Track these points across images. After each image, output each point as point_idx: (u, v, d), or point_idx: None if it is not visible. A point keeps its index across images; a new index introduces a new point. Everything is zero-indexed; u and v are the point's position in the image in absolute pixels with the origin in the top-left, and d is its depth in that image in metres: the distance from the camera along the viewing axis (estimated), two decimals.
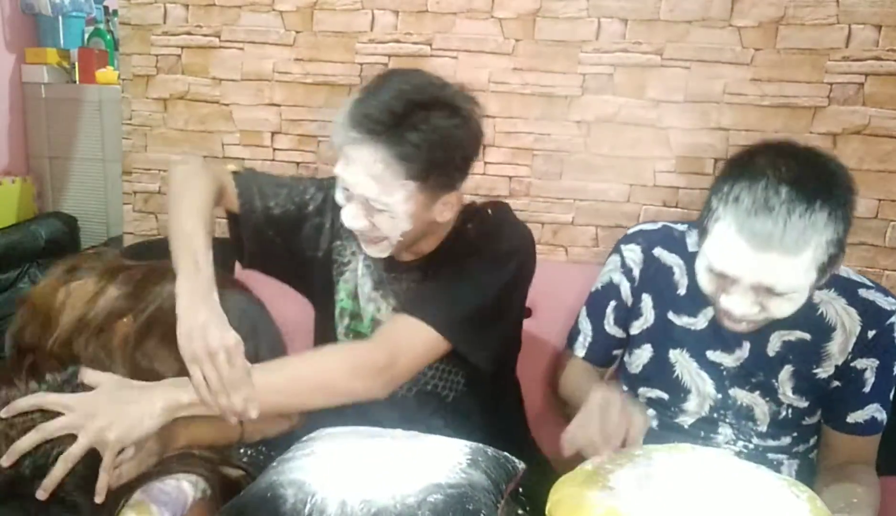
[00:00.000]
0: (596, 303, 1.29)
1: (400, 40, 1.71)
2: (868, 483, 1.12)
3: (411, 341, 1.13)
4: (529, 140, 1.68)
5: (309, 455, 1.11)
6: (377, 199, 1.08)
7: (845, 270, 1.14)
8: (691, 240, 1.20)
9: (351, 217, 1.12)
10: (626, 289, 1.24)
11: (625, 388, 1.27)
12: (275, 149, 1.80)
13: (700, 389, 1.18)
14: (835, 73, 1.53)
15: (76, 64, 2.37)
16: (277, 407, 1.10)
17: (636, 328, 1.24)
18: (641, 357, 1.23)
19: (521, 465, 1.16)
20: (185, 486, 1.08)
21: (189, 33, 1.81)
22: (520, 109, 1.68)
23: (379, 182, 1.06)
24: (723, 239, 1.00)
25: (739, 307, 1.02)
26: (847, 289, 1.12)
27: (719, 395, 1.17)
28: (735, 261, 0.99)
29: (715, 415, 1.18)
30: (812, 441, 1.21)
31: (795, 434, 1.18)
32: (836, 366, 1.13)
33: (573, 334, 1.32)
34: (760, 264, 0.97)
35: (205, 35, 1.80)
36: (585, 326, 1.30)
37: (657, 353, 1.21)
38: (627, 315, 1.25)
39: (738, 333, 1.12)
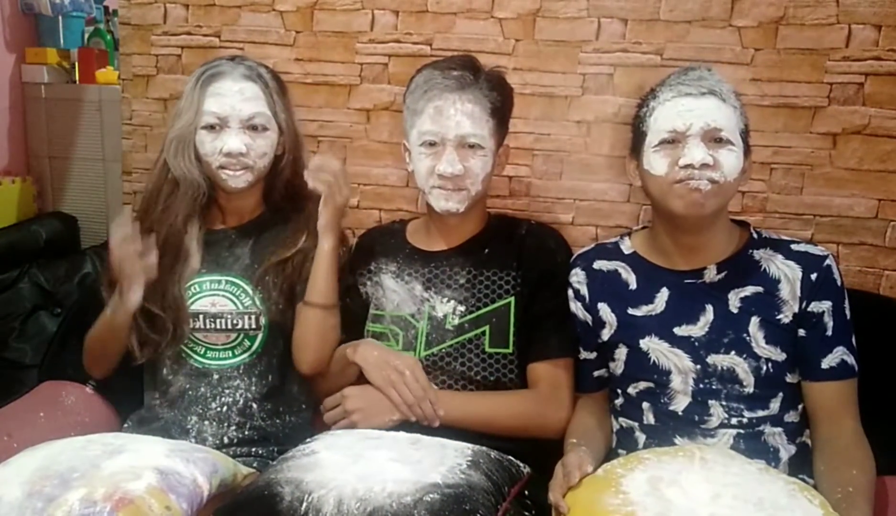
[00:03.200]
0: (574, 339, 1.39)
1: (400, 40, 1.71)
2: (860, 459, 1.16)
3: (563, 378, 1.35)
4: (529, 140, 1.68)
5: (309, 455, 1.11)
6: (472, 133, 1.31)
7: (773, 234, 1.31)
8: (624, 245, 1.36)
9: (448, 163, 1.30)
10: (581, 310, 1.36)
11: (619, 399, 1.33)
12: None
13: (678, 365, 1.25)
14: (835, 73, 1.53)
15: (76, 64, 2.37)
16: (455, 424, 1.29)
17: (605, 336, 1.33)
18: (619, 358, 1.31)
19: (526, 469, 1.16)
20: (201, 480, 1.09)
21: (189, 33, 1.81)
22: (520, 109, 1.66)
23: (471, 118, 1.31)
24: (666, 109, 1.21)
25: (697, 154, 1.17)
26: (780, 246, 1.27)
27: (698, 366, 1.24)
28: (682, 113, 1.19)
29: (702, 386, 1.23)
30: (800, 407, 1.25)
31: (782, 395, 1.23)
32: (794, 313, 1.22)
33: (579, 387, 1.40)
34: (703, 107, 1.18)
35: (205, 35, 1.80)
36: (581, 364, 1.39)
37: (630, 348, 1.29)
38: (593, 335, 1.35)
39: (698, 300, 1.25)
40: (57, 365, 1.59)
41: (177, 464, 1.09)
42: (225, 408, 1.41)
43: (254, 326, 1.42)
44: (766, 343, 1.22)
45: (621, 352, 1.31)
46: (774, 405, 1.23)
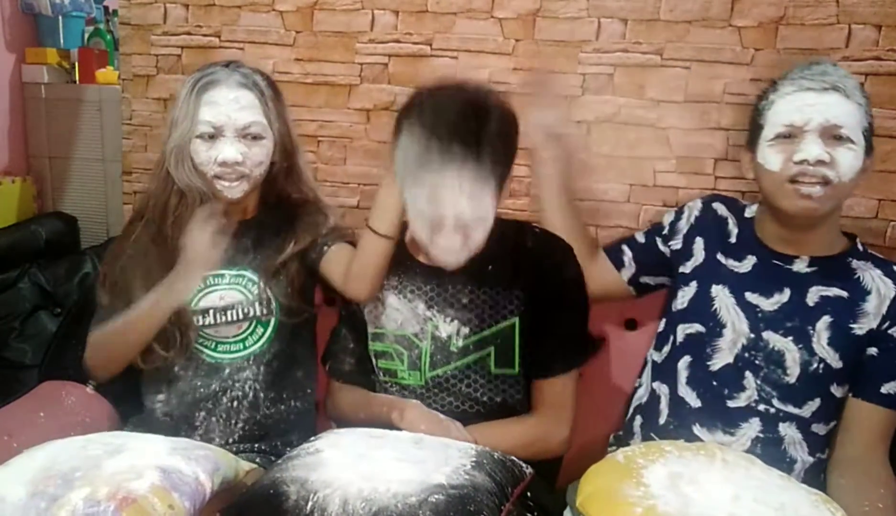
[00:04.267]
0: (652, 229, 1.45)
1: (400, 40, 1.70)
2: (887, 482, 1.15)
3: (566, 395, 1.32)
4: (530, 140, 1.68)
5: (313, 454, 1.11)
6: (473, 218, 1.21)
7: (880, 254, 1.29)
8: (749, 210, 1.36)
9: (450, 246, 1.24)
10: (668, 219, 1.42)
11: (659, 355, 1.37)
12: None
13: (735, 326, 1.26)
14: None
15: (76, 64, 2.37)
16: None
17: (687, 267, 1.35)
18: (687, 293, 1.33)
19: (528, 470, 1.15)
20: (203, 478, 1.09)
21: (189, 33, 1.81)
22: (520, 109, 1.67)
23: (472, 199, 1.19)
24: (785, 102, 1.19)
25: (814, 150, 1.15)
26: (882, 264, 1.25)
27: (752, 335, 1.24)
28: (802, 107, 1.17)
29: (747, 355, 1.23)
30: (832, 424, 1.22)
31: (819, 402, 1.20)
32: (872, 330, 1.20)
33: (617, 253, 1.46)
34: (824, 103, 1.16)
35: (205, 35, 1.80)
36: (636, 242, 1.45)
37: (701, 289, 1.31)
38: (660, 256, 1.40)
39: (778, 281, 1.25)
40: (57, 365, 1.59)
41: (178, 463, 1.09)
42: (235, 403, 1.41)
43: (265, 312, 1.42)
44: (829, 344, 1.20)
45: (690, 290, 1.32)
46: (808, 409, 1.21)
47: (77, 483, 1.03)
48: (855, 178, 1.18)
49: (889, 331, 1.19)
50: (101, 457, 1.09)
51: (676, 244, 1.40)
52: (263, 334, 1.43)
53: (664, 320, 1.40)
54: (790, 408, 1.21)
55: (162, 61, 1.84)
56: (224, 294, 1.42)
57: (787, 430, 1.21)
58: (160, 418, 1.43)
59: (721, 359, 1.25)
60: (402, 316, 1.35)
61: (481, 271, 1.32)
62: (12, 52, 2.29)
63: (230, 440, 1.40)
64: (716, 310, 1.27)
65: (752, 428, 1.21)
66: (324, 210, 1.48)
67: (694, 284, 1.32)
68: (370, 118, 1.75)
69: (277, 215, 1.47)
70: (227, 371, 1.42)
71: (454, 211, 1.19)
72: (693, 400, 1.26)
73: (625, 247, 1.45)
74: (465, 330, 1.32)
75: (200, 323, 1.41)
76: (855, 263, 1.24)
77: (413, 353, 1.34)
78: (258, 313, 1.42)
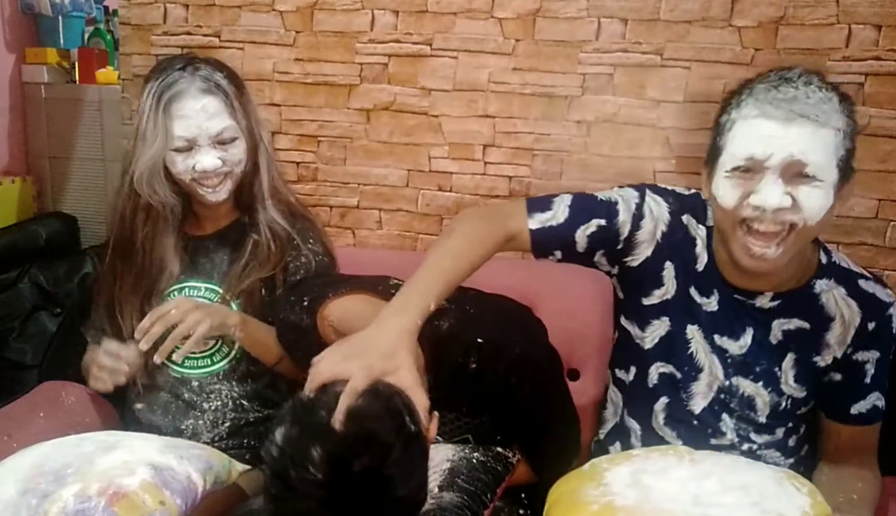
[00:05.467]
0: (587, 205, 1.18)
1: (400, 40, 1.70)
2: (869, 478, 1.14)
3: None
4: (529, 140, 1.68)
5: None
6: None
7: (844, 260, 1.17)
8: (709, 213, 1.17)
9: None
10: (622, 226, 1.16)
11: (633, 369, 1.24)
12: (275, 150, 1.79)
13: (711, 370, 1.17)
14: (835, 73, 1.52)
15: (76, 64, 2.37)
16: None
17: (655, 297, 1.19)
18: (658, 329, 1.20)
19: (515, 458, 1.14)
20: (195, 477, 1.09)
21: (189, 33, 1.80)
22: (520, 109, 1.67)
23: None
24: (746, 128, 1.02)
25: (772, 197, 0.99)
26: (847, 279, 1.14)
27: (726, 382, 1.17)
28: (763, 139, 0.99)
29: (722, 397, 1.17)
30: (802, 430, 1.22)
31: (790, 425, 1.19)
32: (835, 358, 1.14)
33: (538, 203, 1.19)
34: (789, 136, 0.98)
35: (205, 35, 1.80)
36: (560, 210, 1.17)
37: (674, 328, 1.18)
38: (610, 246, 1.18)
39: (742, 319, 1.14)
40: (57, 365, 1.59)
41: (170, 461, 1.09)
42: (217, 412, 1.41)
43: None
44: (795, 381, 1.16)
45: (661, 326, 1.19)
46: (780, 432, 1.20)
47: (68, 479, 1.03)
48: (825, 217, 1.02)
49: (854, 357, 1.14)
50: (94, 454, 1.09)
51: (634, 260, 1.18)
52: (229, 353, 1.43)
53: (625, 346, 1.25)
54: (765, 438, 1.19)
55: None
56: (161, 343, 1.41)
57: (765, 452, 1.20)
58: (143, 423, 1.44)
59: (698, 403, 1.18)
60: None
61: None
62: (12, 52, 2.29)
63: (217, 437, 1.40)
64: (692, 353, 1.17)
65: (731, 452, 1.19)
66: (298, 237, 1.44)
67: (666, 321, 1.18)
68: (370, 118, 1.75)
69: (250, 230, 1.45)
70: (198, 384, 1.42)
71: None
72: (672, 440, 1.21)
73: (557, 252, 1.19)
74: None
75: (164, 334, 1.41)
76: (819, 285, 1.13)
77: None
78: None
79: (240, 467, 1.26)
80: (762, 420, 1.18)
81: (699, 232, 1.17)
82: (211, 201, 1.39)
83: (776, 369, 1.16)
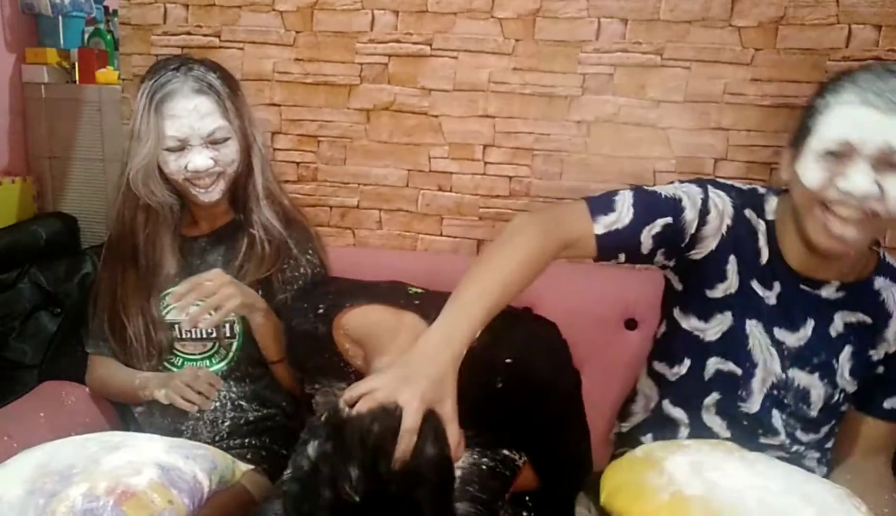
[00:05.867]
0: (652, 203, 1.13)
1: (400, 40, 1.70)
2: (890, 487, 1.15)
3: None
4: (529, 140, 1.68)
5: None
6: None
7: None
8: (769, 206, 1.18)
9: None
10: (690, 224, 1.13)
11: (687, 361, 1.21)
12: (275, 150, 1.80)
13: (767, 365, 1.16)
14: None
15: (76, 64, 2.37)
16: None
17: (720, 291, 1.17)
18: (722, 323, 1.18)
19: (521, 459, 1.14)
20: (201, 476, 1.09)
21: (189, 33, 1.80)
22: (520, 109, 1.67)
23: None
24: (844, 113, 1.01)
25: (860, 185, 0.99)
26: None
27: (783, 376, 1.16)
28: (861, 125, 0.99)
29: (775, 393, 1.17)
30: (836, 433, 1.22)
31: (833, 423, 1.19)
32: (888, 353, 1.16)
33: (600, 205, 1.13)
34: (888, 125, 0.98)
35: (205, 35, 1.80)
36: (624, 210, 1.12)
37: (736, 323, 1.17)
38: (675, 244, 1.15)
39: (804, 310, 1.14)
40: (57, 365, 1.59)
41: (177, 460, 1.09)
42: (217, 412, 1.41)
43: (228, 334, 1.42)
44: (850, 375, 1.16)
45: (724, 321, 1.17)
46: (824, 430, 1.19)
47: (75, 479, 1.03)
48: None
49: None
50: (99, 454, 1.09)
51: (698, 253, 1.16)
52: (226, 355, 1.43)
53: (677, 339, 1.23)
54: (811, 436, 1.19)
55: None
56: (191, 309, 1.42)
57: (808, 452, 1.20)
58: (143, 424, 1.44)
59: (754, 402, 1.17)
60: None
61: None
62: (12, 52, 2.29)
63: (217, 437, 1.40)
64: (750, 349, 1.16)
65: (777, 452, 1.19)
66: (295, 247, 1.45)
67: (729, 316, 1.17)
68: (370, 118, 1.75)
69: (244, 230, 1.45)
70: None
71: None
72: (722, 431, 1.19)
73: (621, 255, 1.15)
74: None
75: (169, 336, 1.42)
76: (878, 282, 1.15)
77: None
78: (218, 335, 1.42)
79: (243, 467, 1.26)
80: (813, 414, 1.17)
81: (759, 226, 1.17)
82: (204, 202, 1.39)
83: (833, 361, 1.16)
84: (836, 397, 1.17)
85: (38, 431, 1.33)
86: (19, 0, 2.32)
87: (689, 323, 1.21)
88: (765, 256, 1.16)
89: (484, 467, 1.11)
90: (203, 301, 1.29)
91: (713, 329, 1.18)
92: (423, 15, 1.68)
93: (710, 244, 1.15)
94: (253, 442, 1.41)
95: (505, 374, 1.09)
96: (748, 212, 1.17)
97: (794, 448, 1.19)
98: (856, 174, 1.00)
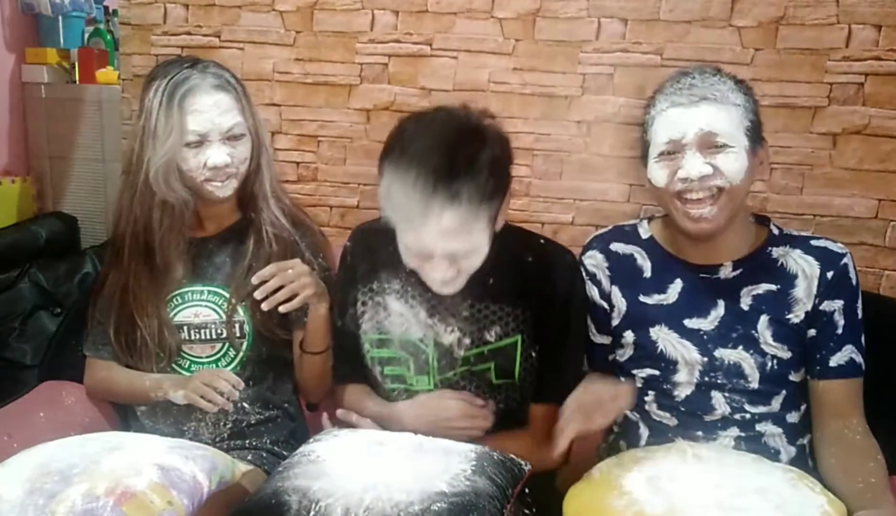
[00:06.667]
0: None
1: (400, 40, 1.71)
2: (872, 452, 1.16)
3: (551, 422, 1.23)
4: (529, 140, 1.68)
5: (315, 461, 1.10)
6: (464, 251, 1.17)
7: (794, 230, 1.31)
8: (643, 229, 1.35)
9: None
10: (596, 295, 1.34)
11: (620, 379, 1.31)
12: (275, 149, 1.79)
13: (685, 357, 1.25)
14: (835, 73, 1.53)
15: (76, 64, 2.37)
16: None
17: (614, 319, 1.32)
18: (627, 343, 1.31)
19: (527, 466, 1.15)
20: (201, 477, 1.09)
21: (189, 33, 1.81)
22: (520, 109, 1.68)
23: (460, 236, 1.14)
24: (661, 121, 1.20)
25: (694, 168, 1.16)
26: (800, 241, 1.26)
27: (705, 358, 1.25)
28: (676, 123, 1.18)
29: (707, 379, 1.24)
30: (802, 408, 1.26)
31: (784, 393, 1.24)
32: (807, 312, 1.23)
33: (603, 365, 1.36)
34: (697, 115, 1.17)
35: (205, 35, 1.80)
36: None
37: (638, 336, 1.29)
38: (607, 319, 1.33)
39: (710, 295, 1.25)
40: (57, 365, 1.59)
41: (176, 461, 1.09)
42: (220, 413, 1.40)
43: (238, 335, 1.42)
44: (774, 340, 1.22)
45: (629, 338, 1.30)
46: (776, 403, 1.23)
47: (75, 479, 1.02)
48: (748, 176, 1.18)
49: (822, 307, 1.22)
50: (99, 455, 1.09)
51: (603, 308, 1.34)
52: (236, 357, 1.43)
53: (614, 357, 1.35)
54: (761, 408, 1.23)
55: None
56: (199, 311, 1.42)
57: (765, 427, 1.23)
58: (144, 424, 1.44)
59: (684, 390, 1.26)
60: (407, 321, 1.32)
61: (481, 284, 1.26)
62: (12, 52, 2.29)
63: (218, 438, 1.40)
64: (662, 351, 1.26)
65: (732, 432, 1.24)
66: (308, 250, 1.45)
67: (629, 333, 1.30)
68: (370, 118, 1.75)
69: (252, 230, 1.44)
70: None
71: (442, 249, 1.15)
72: (669, 421, 1.28)
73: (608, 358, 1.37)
74: (467, 341, 1.29)
75: (177, 337, 1.41)
76: (775, 252, 1.25)
77: (420, 358, 1.32)
78: (229, 335, 1.41)
79: (243, 467, 1.26)
80: (754, 386, 1.23)
81: (634, 249, 1.33)
82: (218, 197, 1.38)
83: (753, 332, 1.23)
84: (769, 365, 1.22)
85: (38, 431, 1.33)
86: (19, 0, 2.32)
87: (616, 355, 1.34)
88: (648, 270, 1.31)
89: (495, 457, 1.13)
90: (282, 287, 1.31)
91: (623, 352, 1.32)
92: (423, 15, 1.69)
93: (601, 293, 1.34)
94: (254, 443, 1.41)
95: (536, 251, 1.29)
96: (614, 246, 1.35)
97: (746, 422, 1.23)
98: (688, 162, 1.17)
